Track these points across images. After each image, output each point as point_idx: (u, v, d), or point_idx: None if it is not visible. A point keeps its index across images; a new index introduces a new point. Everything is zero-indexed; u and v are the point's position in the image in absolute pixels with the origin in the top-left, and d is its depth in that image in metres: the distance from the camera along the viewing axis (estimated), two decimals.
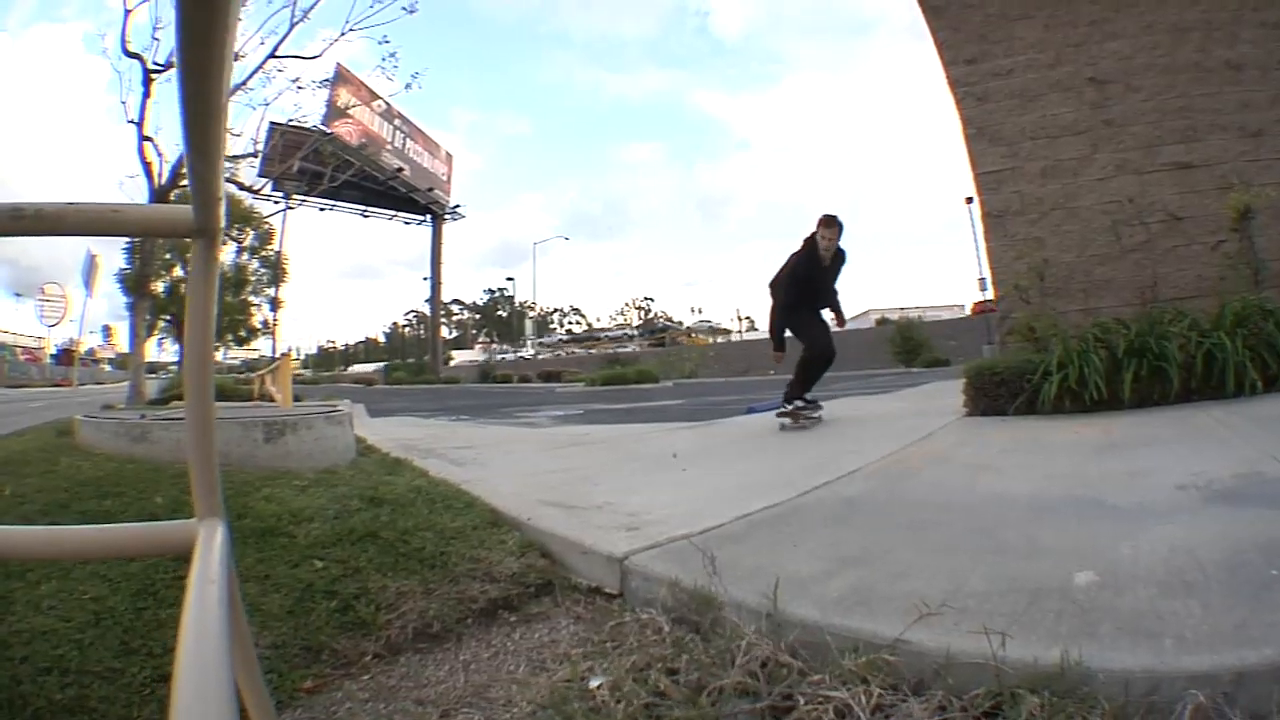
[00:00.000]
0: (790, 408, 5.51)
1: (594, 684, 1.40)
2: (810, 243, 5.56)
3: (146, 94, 12.82)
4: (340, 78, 24.65)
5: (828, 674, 1.25)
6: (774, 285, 5.88)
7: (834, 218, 5.51)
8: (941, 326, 34.61)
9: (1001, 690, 1.14)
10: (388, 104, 20.87)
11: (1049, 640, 1.22)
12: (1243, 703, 1.04)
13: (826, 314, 6.01)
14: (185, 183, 13.23)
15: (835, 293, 5.99)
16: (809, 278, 5.60)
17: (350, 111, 25.21)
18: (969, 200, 26.11)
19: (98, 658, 1.58)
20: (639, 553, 1.98)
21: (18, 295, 47.55)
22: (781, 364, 5.77)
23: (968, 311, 40.15)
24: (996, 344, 7.38)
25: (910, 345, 28.39)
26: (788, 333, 5.76)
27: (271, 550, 2.09)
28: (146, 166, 12.61)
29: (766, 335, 6.15)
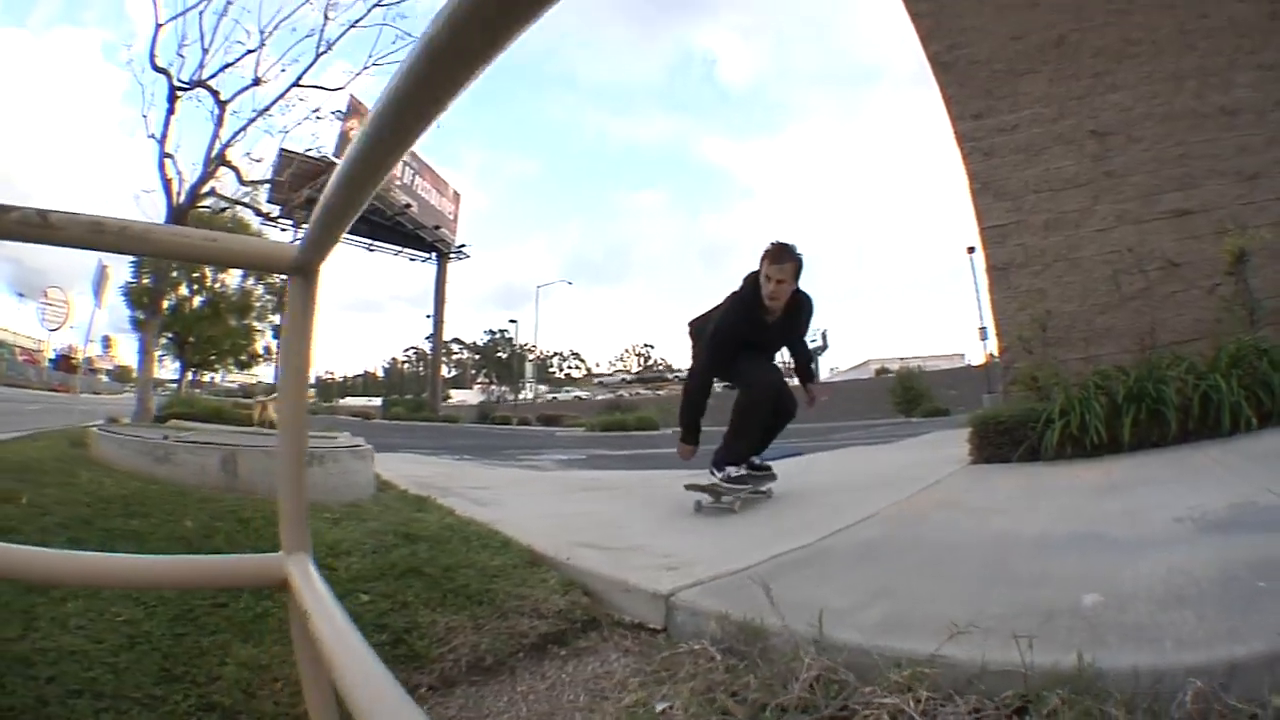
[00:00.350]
0: (716, 477, 3.89)
1: (661, 707, 1.59)
2: (750, 284, 4.01)
3: (171, 110, 13.05)
4: (353, 110, 25.27)
5: (877, 685, 1.46)
6: (694, 330, 4.45)
7: (786, 249, 3.88)
8: (941, 376, 35.14)
9: (1028, 692, 1.35)
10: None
11: (1064, 649, 1.43)
12: (1237, 690, 1.25)
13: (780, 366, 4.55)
14: (205, 204, 13.50)
15: (805, 350, 4.64)
16: (739, 338, 4.03)
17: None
18: (971, 250, 26.70)
19: (136, 683, 1.59)
20: (683, 590, 2.19)
21: (20, 295, 48.34)
22: (692, 459, 4.27)
23: (969, 361, 40.73)
24: (999, 393, 7.64)
25: (910, 395, 28.76)
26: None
27: None
28: (166, 184, 12.80)
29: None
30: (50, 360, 48.62)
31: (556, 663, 2.04)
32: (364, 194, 0.86)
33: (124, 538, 2.50)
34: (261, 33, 13.07)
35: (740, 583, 2.20)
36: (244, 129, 13.49)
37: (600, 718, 1.66)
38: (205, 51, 12.93)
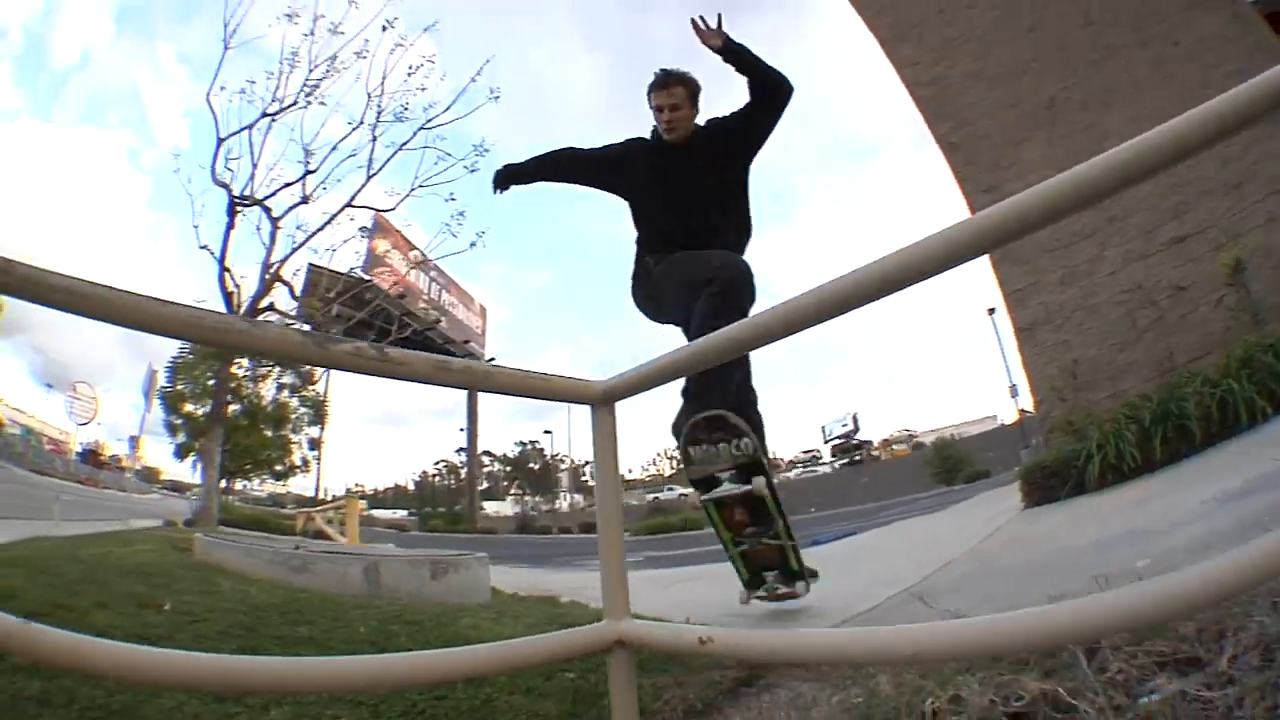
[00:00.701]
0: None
1: (861, 699, 2.26)
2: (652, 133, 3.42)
3: (231, 224, 14.40)
4: (379, 228, 26.24)
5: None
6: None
7: (669, 71, 3.34)
8: (976, 440, 35.60)
9: None
10: (424, 255, 22.94)
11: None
12: None
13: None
14: (268, 318, 14.43)
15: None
16: (632, 162, 3.41)
17: (389, 260, 27.04)
18: (991, 311, 27.59)
19: None
20: (834, 627, 2.88)
21: (49, 386, 50.05)
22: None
23: (1002, 420, 41.15)
24: (1039, 443, 8.28)
25: (949, 464, 29.14)
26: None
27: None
28: (227, 296, 13.79)
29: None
30: (78, 453, 49.82)
31: (753, 697, 2.68)
32: (673, 376, 1.45)
33: (300, 644, 2.69)
34: (306, 151, 14.88)
35: (876, 615, 2.90)
36: (299, 248, 14.94)
37: (818, 715, 2.32)
38: (255, 166, 14.58)
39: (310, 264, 17.63)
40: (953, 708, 1.84)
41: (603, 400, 1.65)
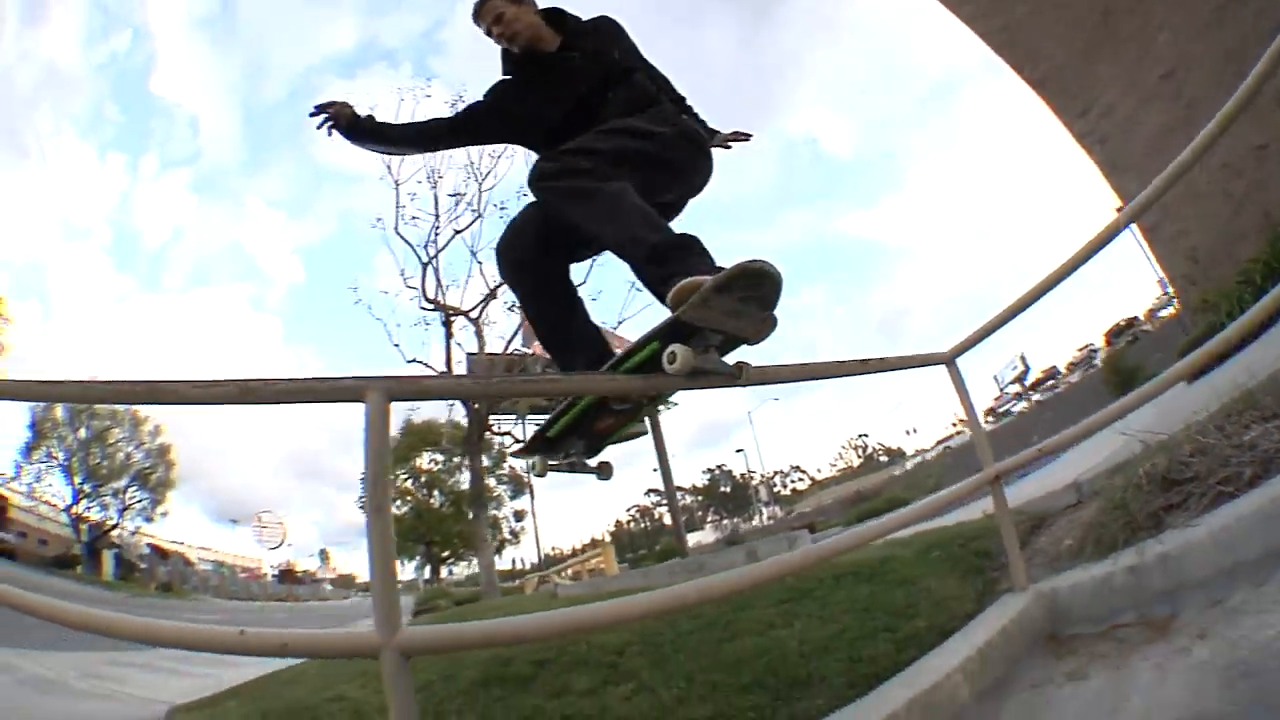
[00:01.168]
0: None
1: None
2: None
3: (448, 334, 18.18)
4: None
5: None
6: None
7: None
8: (1143, 348, 34.86)
9: None
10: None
11: None
12: None
13: None
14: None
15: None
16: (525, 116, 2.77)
17: None
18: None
19: None
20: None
21: (233, 522, 57.03)
22: None
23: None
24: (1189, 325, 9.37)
25: (1123, 377, 28.61)
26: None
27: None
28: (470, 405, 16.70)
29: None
30: (273, 575, 57.66)
31: (1038, 536, 4.51)
32: (998, 328, 2.90)
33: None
34: (472, 254, 18.48)
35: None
36: (511, 338, 18.61)
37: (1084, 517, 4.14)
38: (438, 277, 18.47)
39: (469, 354, 19.47)
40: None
41: (949, 362, 2.62)
